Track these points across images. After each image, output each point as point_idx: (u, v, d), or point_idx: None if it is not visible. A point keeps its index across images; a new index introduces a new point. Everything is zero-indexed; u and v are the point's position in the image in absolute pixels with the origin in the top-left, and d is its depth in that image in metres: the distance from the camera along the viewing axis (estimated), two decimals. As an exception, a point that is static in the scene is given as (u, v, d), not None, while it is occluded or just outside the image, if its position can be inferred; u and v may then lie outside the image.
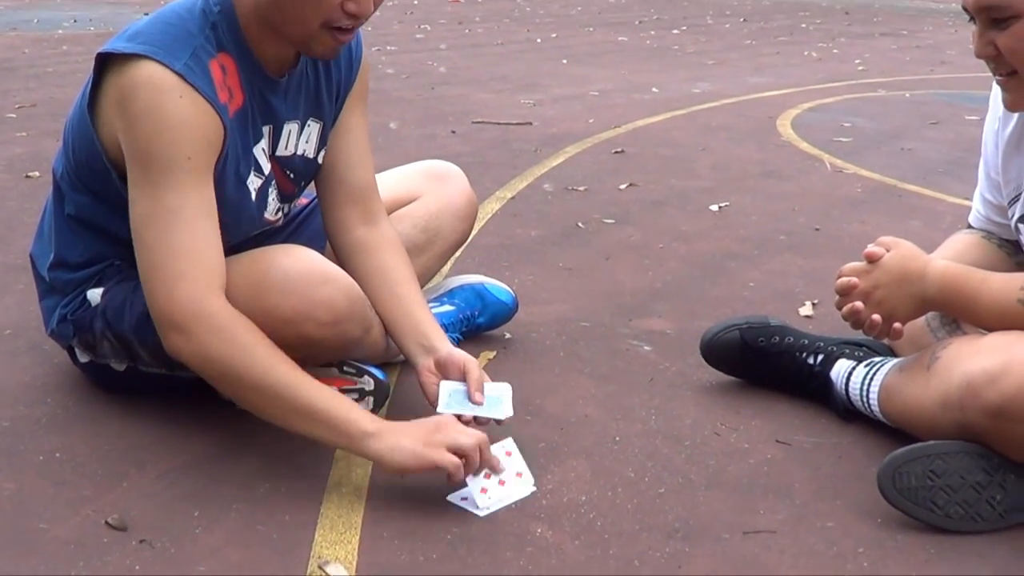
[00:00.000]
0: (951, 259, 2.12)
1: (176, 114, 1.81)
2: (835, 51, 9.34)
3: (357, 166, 2.19)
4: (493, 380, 2.06)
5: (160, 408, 2.12)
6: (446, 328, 2.34)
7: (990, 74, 1.97)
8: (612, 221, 3.67)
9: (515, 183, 4.13)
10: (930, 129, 5.73)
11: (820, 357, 2.26)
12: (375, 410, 2.10)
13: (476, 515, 1.83)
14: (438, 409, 1.97)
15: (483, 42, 8.75)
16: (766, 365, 2.31)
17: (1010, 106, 1.99)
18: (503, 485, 1.88)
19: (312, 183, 2.23)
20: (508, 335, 2.61)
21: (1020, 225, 2.10)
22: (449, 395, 1.98)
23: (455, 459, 1.80)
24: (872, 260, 2.03)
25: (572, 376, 2.42)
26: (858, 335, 2.15)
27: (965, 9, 1.91)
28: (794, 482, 2.00)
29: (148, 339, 1.98)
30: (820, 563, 1.76)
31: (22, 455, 1.96)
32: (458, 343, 2.43)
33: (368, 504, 1.85)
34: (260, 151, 2.01)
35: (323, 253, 2.08)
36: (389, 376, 2.18)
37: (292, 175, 2.12)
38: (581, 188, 4.09)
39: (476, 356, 2.40)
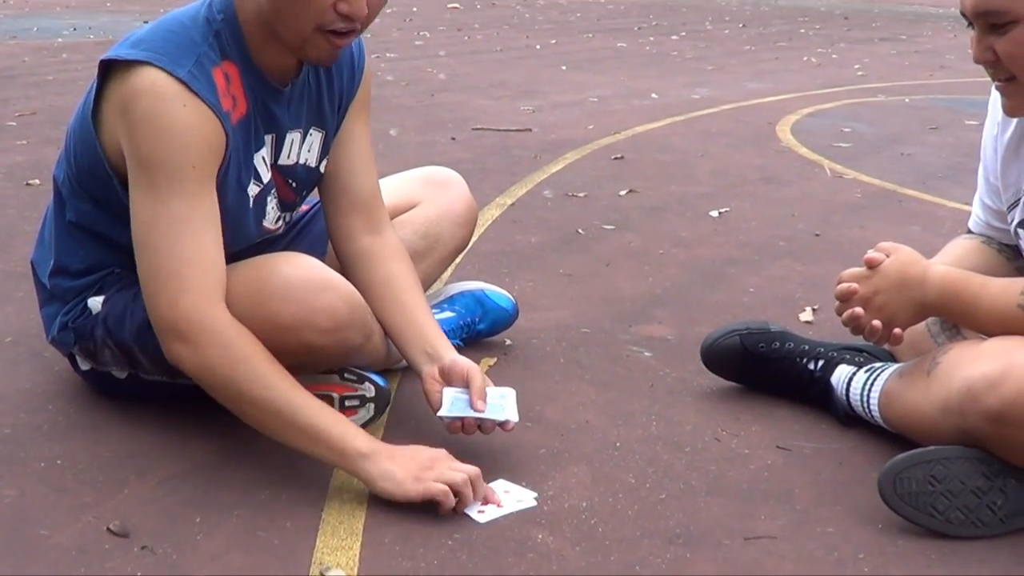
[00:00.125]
0: (951, 264, 2.12)
1: (180, 122, 1.81)
2: (834, 56, 9.35)
3: (360, 174, 2.19)
4: (495, 385, 2.06)
5: (161, 415, 2.12)
6: (446, 335, 2.34)
7: (989, 79, 1.97)
8: (612, 227, 3.67)
9: (515, 189, 4.14)
10: (930, 134, 5.74)
11: (820, 363, 2.26)
12: (376, 416, 2.10)
13: (477, 521, 1.83)
14: (440, 414, 1.97)
15: (482, 49, 8.76)
16: (766, 371, 2.31)
17: (1009, 111, 2.00)
18: (501, 506, 1.88)
19: (314, 191, 2.23)
20: (508, 341, 2.61)
21: (1019, 230, 2.11)
22: (452, 400, 1.98)
23: (443, 487, 1.82)
24: (872, 266, 2.03)
25: (572, 382, 2.42)
26: (858, 340, 2.15)
27: (964, 14, 1.91)
28: (795, 488, 2.00)
29: (149, 347, 1.98)
30: (821, 568, 1.76)
31: (23, 462, 1.96)
32: (458, 349, 2.42)
33: (369, 510, 1.85)
34: (261, 160, 2.01)
35: (324, 260, 2.08)
36: (390, 383, 2.19)
37: (294, 184, 2.12)
38: (581, 194, 4.10)
39: (477, 362, 2.39)
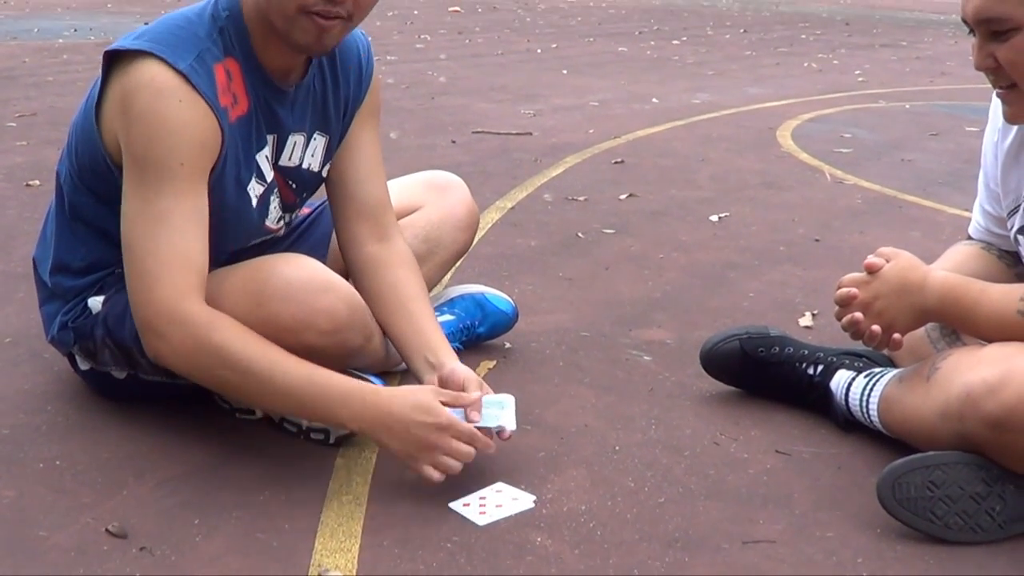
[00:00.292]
0: (951, 270, 2.12)
1: (174, 118, 1.82)
2: (835, 62, 9.36)
3: (367, 182, 2.19)
4: (494, 389, 2.06)
5: (160, 416, 2.12)
6: (446, 338, 2.34)
7: (990, 86, 1.97)
8: (612, 231, 3.67)
9: (515, 193, 4.14)
10: (930, 140, 5.74)
11: (820, 367, 2.26)
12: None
13: (476, 524, 1.83)
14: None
15: (483, 52, 8.76)
16: (766, 375, 2.31)
17: (1010, 118, 2.00)
18: (500, 508, 1.88)
19: (315, 195, 2.23)
20: (508, 345, 2.61)
21: (1019, 236, 2.11)
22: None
23: (439, 477, 1.86)
24: (872, 271, 2.03)
25: (572, 386, 2.42)
26: (858, 346, 2.15)
27: (965, 21, 1.91)
28: (793, 492, 2.00)
29: (148, 347, 1.99)
30: (819, 573, 1.76)
31: (22, 463, 1.96)
32: (458, 352, 2.42)
33: (368, 512, 1.86)
34: (263, 158, 2.01)
35: (325, 262, 2.09)
36: (389, 385, 2.18)
37: (294, 186, 2.13)
38: (581, 198, 4.10)
39: (476, 365, 2.41)
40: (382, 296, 2.13)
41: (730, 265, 3.36)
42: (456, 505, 1.87)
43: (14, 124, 5.04)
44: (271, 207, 2.09)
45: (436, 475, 1.85)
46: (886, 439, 2.12)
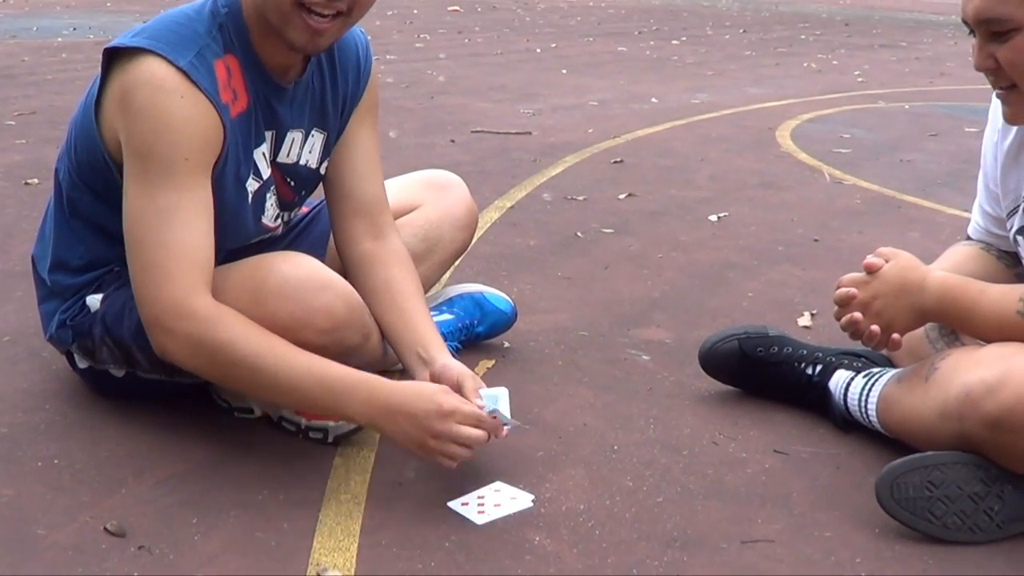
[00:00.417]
0: (950, 270, 2.12)
1: (176, 114, 1.81)
2: (834, 62, 9.36)
3: (364, 179, 2.19)
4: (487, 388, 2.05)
5: (159, 414, 2.12)
6: (445, 337, 2.34)
7: (989, 86, 1.97)
8: (611, 231, 3.67)
9: (514, 192, 4.14)
10: (929, 141, 5.74)
11: (818, 367, 2.26)
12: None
13: (475, 523, 1.83)
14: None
15: (483, 52, 8.76)
16: (764, 375, 2.31)
17: (1009, 119, 2.00)
18: (499, 507, 1.88)
19: (314, 193, 2.23)
20: (507, 344, 2.61)
21: (1019, 237, 2.11)
22: None
23: (449, 464, 1.86)
24: (871, 271, 2.03)
25: (571, 385, 2.42)
26: (857, 346, 2.15)
27: (965, 22, 1.91)
28: (792, 492, 2.00)
29: (147, 345, 1.99)
30: (818, 573, 1.76)
31: (20, 461, 1.96)
32: (457, 352, 2.43)
33: (367, 511, 1.85)
34: (261, 155, 2.01)
35: (323, 261, 2.09)
36: (388, 384, 2.18)
37: (293, 183, 2.12)
38: (580, 198, 4.10)
39: (475, 365, 2.41)
40: (376, 293, 2.13)
41: (729, 265, 3.36)
42: (455, 504, 1.87)
43: (13, 122, 5.04)
44: (267, 204, 2.09)
45: (448, 462, 1.85)
46: (884, 439, 2.12)
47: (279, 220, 2.16)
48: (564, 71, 7.80)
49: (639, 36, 10.75)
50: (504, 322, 2.60)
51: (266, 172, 2.04)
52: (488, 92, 6.62)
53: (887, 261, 2.04)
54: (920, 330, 2.15)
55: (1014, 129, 2.08)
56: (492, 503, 1.89)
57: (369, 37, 2.23)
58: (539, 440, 2.14)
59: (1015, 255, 2.21)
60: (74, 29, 8.92)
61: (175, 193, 1.84)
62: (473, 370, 2.07)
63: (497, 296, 2.60)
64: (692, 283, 3.17)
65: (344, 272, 2.14)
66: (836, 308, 2.06)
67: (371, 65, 2.19)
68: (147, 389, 2.10)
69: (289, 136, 2.06)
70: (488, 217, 3.74)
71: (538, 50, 9.06)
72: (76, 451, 2.00)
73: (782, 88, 7.51)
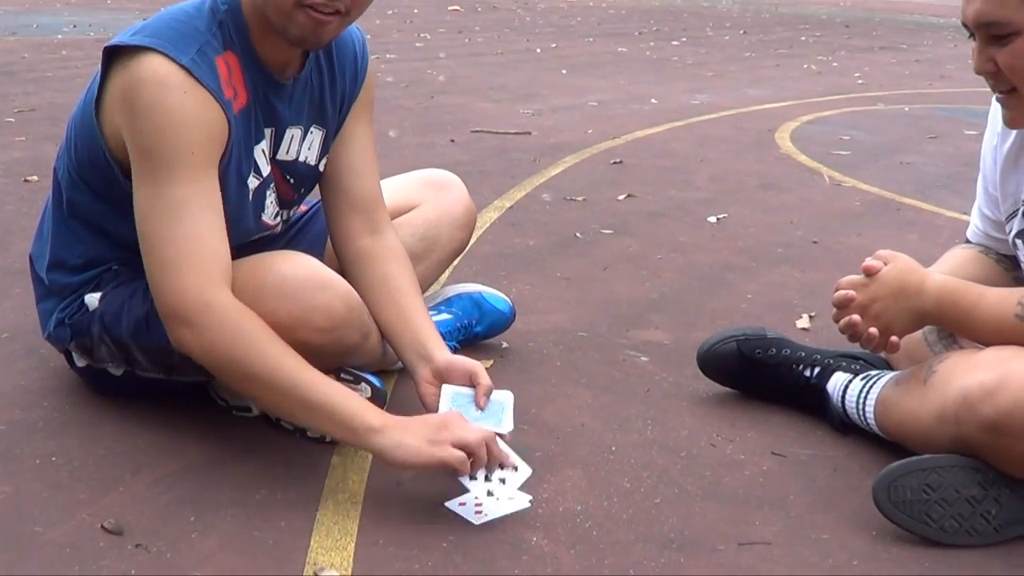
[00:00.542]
0: (949, 273, 2.12)
1: (180, 110, 1.81)
2: (835, 64, 9.36)
3: (361, 176, 2.19)
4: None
5: (157, 413, 2.12)
6: (443, 337, 2.34)
7: (989, 90, 1.97)
8: (610, 231, 3.67)
9: (513, 192, 4.14)
10: (929, 143, 5.75)
11: (816, 370, 2.26)
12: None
13: (472, 523, 1.83)
14: (440, 412, 1.96)
15: (483, 51, 8.76)
16: (762, 377, 2.31)
17: (1009, 123, 2.00)
18: (496, 507, 1.87)
19: (313, 191, 2.23)
20: (505, 344, 2.61)
21: (1017, 240, 2.11)
22: (452, 397, 1.97)
23: (460, 454, 1.80)
24: (870, 273, 2.03)
25: (569, 386, 2.42)
26: (855, 348, 2.15)
27: (965, 25, 1.91)
28: (789, 494, 2.01)
29: (145, 344, 1.99)
30: (815, 575, 1.76)
31: (18, 459, 1.96)
32: (455, 352, 2.42)
33: (364, 511, 1.85)
34: (260, 152, 2.01)
35: (322, 260, 2.08)
36: (386, 384, 2.19)
37: (292, 180, 2.12)
38: (579, 198, 4.10)
39: (473, 365, 2.41)
40: (373, 289, 2.13)
41: (728, 266, 3.36)
42: (452, 504, 1.87)
43: (12, 120, 5.03)
44: (267, 202, 2.09)
45: (459, 453, 1.81)
46: (882, 442, 2.12)
47: (279, 218, 2.16)
48: (564, 71, 7.80)
49: (639, 37, 10.75)
50: (502, 322, 2.60)
51: (266, 169, 2.04)
52: (488, 92, 6.62)
53: (886, 264, 2.04)
54: (918, 333, 2.15)
55: (1013, 133, 2.08)
56: (490, 503, 1.89)
57: (368, 36, 2.24)
58: (537, 440, 2.14)
59: (1014, 258, 2.21)
60: (74, 26, 8.92)
61: (183, 186, 1.83)
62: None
63: (496, 296, 2.60)
64: (691, 284, 3.17)
65: (341, 269, 2.14)
66: (835, 310, 2.06)
67: (368, 62, 2.19)
68: (145, 387, 2.10)
69: (288, 133, 2.06)
70: (487, 217, 3.74)
71: (538, 50, 9.06)
72: (74, 449, 2.00)
73: (782, 89, 7.51)
